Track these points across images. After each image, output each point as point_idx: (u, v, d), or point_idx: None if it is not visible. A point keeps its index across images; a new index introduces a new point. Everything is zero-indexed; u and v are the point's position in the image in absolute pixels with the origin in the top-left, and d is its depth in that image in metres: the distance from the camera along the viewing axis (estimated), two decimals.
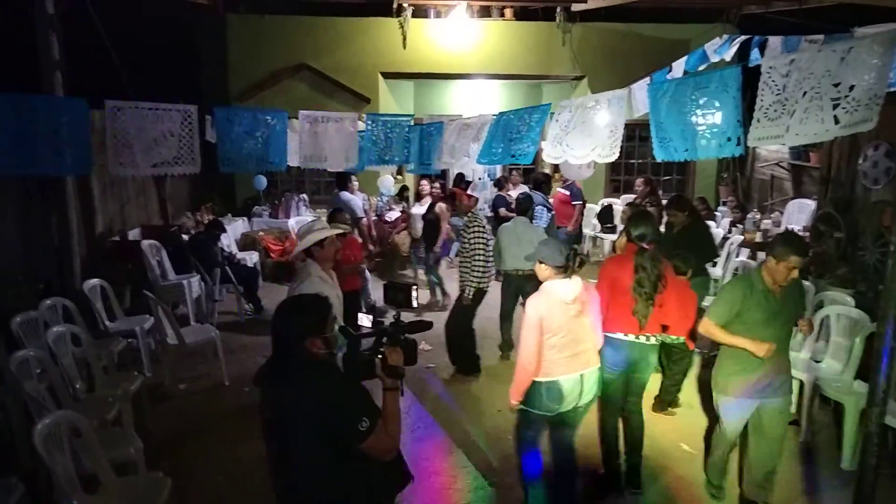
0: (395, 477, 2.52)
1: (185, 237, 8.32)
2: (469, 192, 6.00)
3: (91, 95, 4.42)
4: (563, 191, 9.14)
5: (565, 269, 3.46)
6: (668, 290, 3.88)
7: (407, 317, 2.64)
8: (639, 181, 8.68)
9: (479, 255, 5.69)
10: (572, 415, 3.63)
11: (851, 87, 2.69)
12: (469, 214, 5.96)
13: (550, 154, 4.51)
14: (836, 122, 2.73)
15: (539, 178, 8.27)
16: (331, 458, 2.27)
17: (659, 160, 3.79)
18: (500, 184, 9.71)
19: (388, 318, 2.55)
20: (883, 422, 2.36)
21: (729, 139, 3.22)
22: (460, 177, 10.11)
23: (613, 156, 4.06)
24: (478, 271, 5.69)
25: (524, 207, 6.34)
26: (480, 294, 5.83)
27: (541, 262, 3.50)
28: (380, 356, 2.37)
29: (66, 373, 4.42)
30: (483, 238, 5.75)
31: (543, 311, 3.41)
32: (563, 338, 3.42)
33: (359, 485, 2.33)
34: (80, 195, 7.19)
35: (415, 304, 2.57)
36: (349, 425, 2.20)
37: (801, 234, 7.93)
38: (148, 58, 9.25)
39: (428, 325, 2.58)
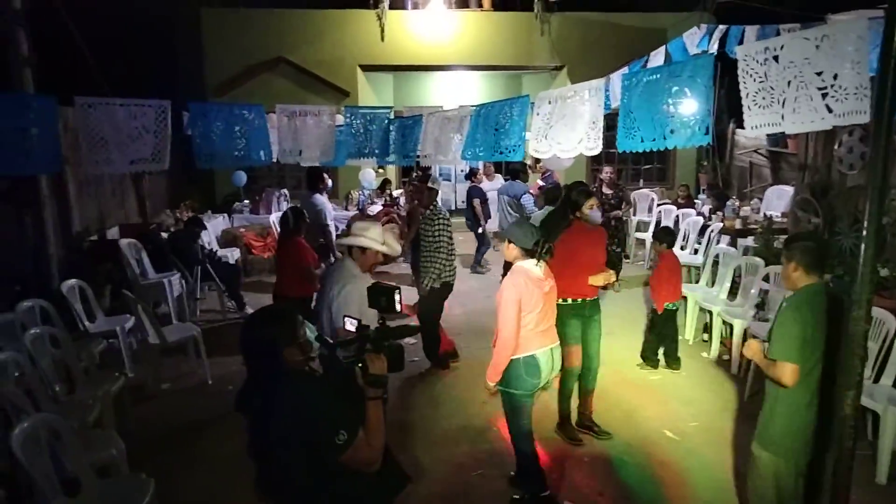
0: (391, 481, 2.45)
1: (165, 235, 8.24)
2: (430, 184, 5.95)
3: (63, 92, 4.33)
4: (540, 182, 9.39)
5: (533, 253, 3.56)
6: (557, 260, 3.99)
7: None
8: (608, 169, 8.77)
9: (443, 247, 5.66)
10: (541, 389, 3.75)
11: (835, 76, 2.69)
12: (431, 207, 5.91)
13: (538, 149, 4.48)
14: (830, 110, 2.72)
15: (516, 168, 8.43)
16: (314, 472, 2.18)
17: (621, 151, 3.81)
18: (470, 175, 9.76)
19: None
20: (858, 404, 2.40)
21: (698, 129, 3.23)
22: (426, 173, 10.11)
23: (598, 148, 4.04)
24: (439, 264, 5.64)
25: (552, 196, 6.53)
26: (447, 288, 5.80)
27: (510, 243, 3.63)
28: (360, 365, 2.26)
29: (45, 375, 4.36)
30: (447, 231, 5.72)
31: (522, 290, 3.51)
32: (538, 314, 3.55)
33: (349, 495, 2.26)
34: (56, 194, 7.07)
35: (398, 308, 2.55)
36: (325, 438, 2.11)
37: (779, 219, 8.04)
38: (121, 53, 9.12)
39: (415, 330, 2.53)
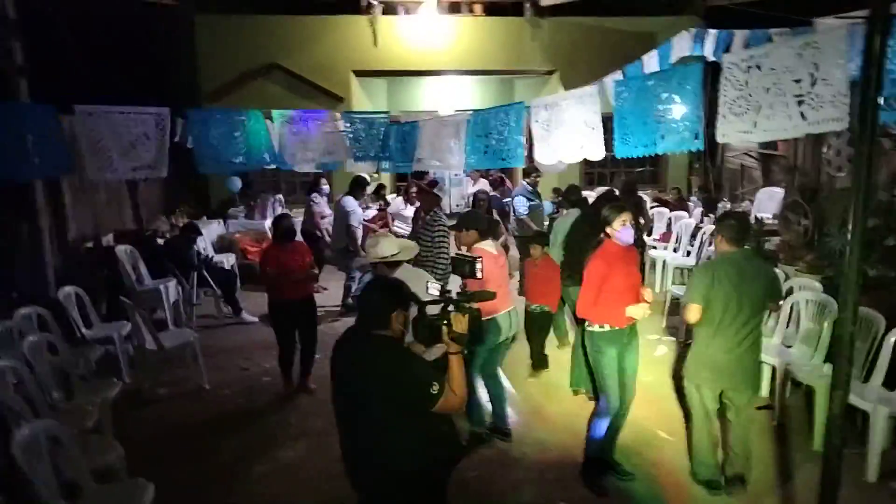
0: (453, 447, 2.79)
1: (161, 241, 8.25)
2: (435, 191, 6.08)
3: (58, 100, 4.37)
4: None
5: (486, 234, 4.15)
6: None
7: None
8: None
9: (444, 254, 5.77)
10: (502, 347, 4.49)
11: (813, 83, 2.74)
12: (432, 212, 6.00)
13: (542, 156, 4.50)
14: (804, 118, 2.77)
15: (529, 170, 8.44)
16: (399, 424, 2.51)
17: (618, 157, 3.87)
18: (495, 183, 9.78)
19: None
20: (846, 404, 2.46)
21: (688, 134, 3.29)
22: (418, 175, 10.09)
23: (601, 153, 4.02)
24: (441, 268, 5.73)
25: (574, 199, 6.52)
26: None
27: (468, 230, 4.11)
28: (446, 323, 2.60)
29: (43, 382, 4.38)
30: (447, 235, 5.82)
31: (489, 266, 3.98)
32: (494, 282, 3.98)
33: (422, 450, 2.55)
34: (51, 202, 7.09)
35: (479, 275, 3.00)
36: (423, 391, 2.47)
37: (770, 221, 8.12)
38: (116, 61, 9.12)
39: (491, 296, 2.90)
